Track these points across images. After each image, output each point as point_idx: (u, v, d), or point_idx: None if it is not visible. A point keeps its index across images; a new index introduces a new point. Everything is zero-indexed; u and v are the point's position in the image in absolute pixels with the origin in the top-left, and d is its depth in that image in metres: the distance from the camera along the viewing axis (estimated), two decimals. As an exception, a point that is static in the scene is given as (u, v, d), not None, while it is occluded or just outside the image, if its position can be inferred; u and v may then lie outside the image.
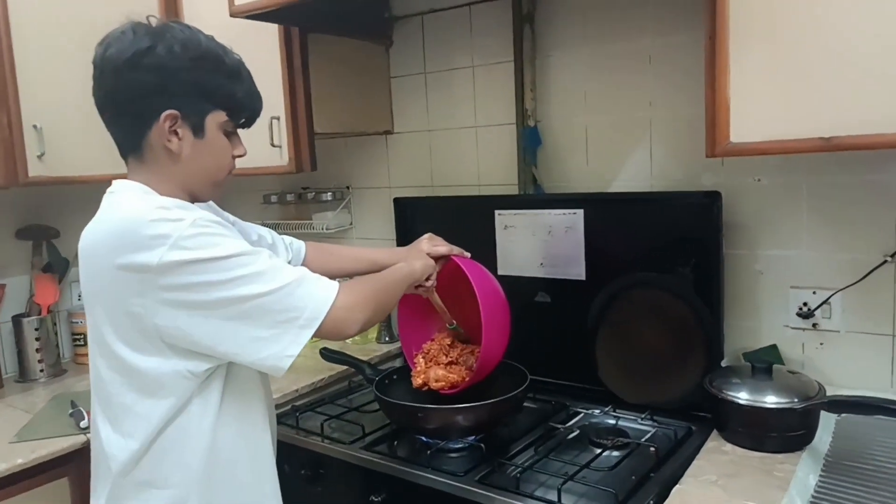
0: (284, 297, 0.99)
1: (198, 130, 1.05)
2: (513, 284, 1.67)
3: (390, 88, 2.08)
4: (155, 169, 1.06)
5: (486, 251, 1.76)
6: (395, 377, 1.61)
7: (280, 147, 1.83)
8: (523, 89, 1.78)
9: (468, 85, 1.93)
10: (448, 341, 1.56)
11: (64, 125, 1.80)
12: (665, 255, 1.53)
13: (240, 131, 1.14)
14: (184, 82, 1.01)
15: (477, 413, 1.40)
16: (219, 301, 0.97)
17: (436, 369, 1.48)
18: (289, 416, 1.65)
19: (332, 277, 1.11)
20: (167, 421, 1.04)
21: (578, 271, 1.66)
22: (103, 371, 1.05)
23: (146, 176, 1.07)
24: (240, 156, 1.13)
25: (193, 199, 1.11)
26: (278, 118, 1.82)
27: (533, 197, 1.80)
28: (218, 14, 1.73)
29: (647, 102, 1.64)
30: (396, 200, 2.00)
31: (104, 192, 1.10)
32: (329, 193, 2.20)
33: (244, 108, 1.09)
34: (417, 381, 1.50)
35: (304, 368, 1.87)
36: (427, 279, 1.38)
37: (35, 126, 1.75)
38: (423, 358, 1.54)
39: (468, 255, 1.47)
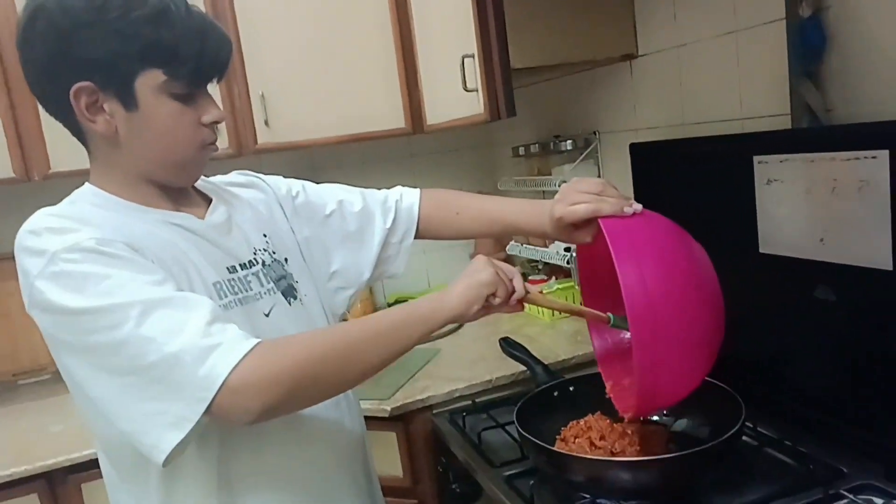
0: (147, 385, 0.74)
1: (127, 100, 0.82)
2: (780, 271, 1.13)
3: (632, -2, 1.55)
4: (102, 161, 0.88)
5: (741, 220, 1.18)
6: (571, 389, 1.21)
7: (476, 91, 1.52)
8: (797, -42, 1.11)
9: (728, -31, 1.30)
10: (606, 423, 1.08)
11: (285, 92, 1.81)
12: None
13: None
14: (85, 42, 0.78)
15: (646, 472, 0.94)
16: (90, 366, 0.78)
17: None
18: (459, 413, 1.41)
19: (456, 238, 1.13)
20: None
21: (878, 255, 0.99)
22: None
23: (96, 173, 0.89)
24: (213, 122, 0.88)
25: (161, 187, 0.90)
26: (472, 56, 1.50)
27: (806, 132, 1.13)
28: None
29: None
30: (633, 147, 1.50)
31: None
32: (569, 142, 1.79)
33: (183, 58, 0.81)
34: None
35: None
36: (491, 300, 0.86)
37: (261, 94, 1.79)
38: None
39: (638, 207, 0.90)
